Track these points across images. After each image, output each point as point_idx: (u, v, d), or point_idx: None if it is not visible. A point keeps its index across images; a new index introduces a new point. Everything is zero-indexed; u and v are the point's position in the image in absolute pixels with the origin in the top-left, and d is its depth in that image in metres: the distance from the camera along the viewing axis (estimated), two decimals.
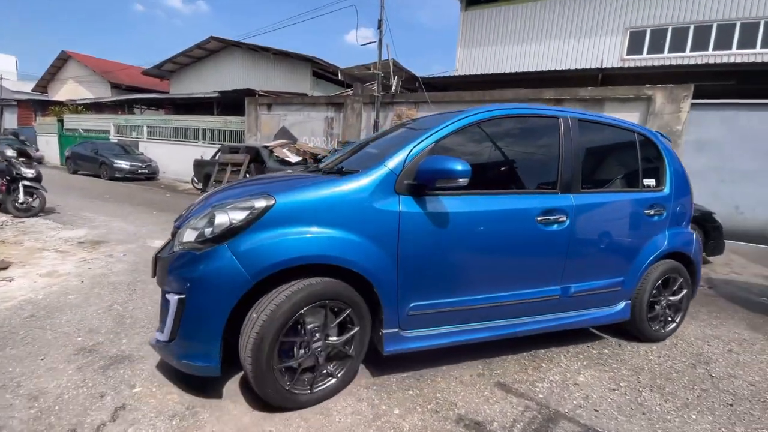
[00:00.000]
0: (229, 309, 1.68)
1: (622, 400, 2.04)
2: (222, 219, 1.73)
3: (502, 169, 2.40)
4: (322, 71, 18.04)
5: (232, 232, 1.71)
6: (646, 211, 2.62)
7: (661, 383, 2.24)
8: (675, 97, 7.26)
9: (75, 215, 6.23)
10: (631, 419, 1.89)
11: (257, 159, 9.82)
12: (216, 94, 14.68)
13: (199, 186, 11.32)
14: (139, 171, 13.79)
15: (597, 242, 2.43)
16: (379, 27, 9.86)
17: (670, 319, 2.87)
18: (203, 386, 1.91)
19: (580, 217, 2.31)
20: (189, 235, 1.80)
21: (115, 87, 24.38)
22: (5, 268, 3.42)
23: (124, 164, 13.43)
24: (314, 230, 1.77)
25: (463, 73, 16.14)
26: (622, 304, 2.64)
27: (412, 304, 1.98)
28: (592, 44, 14.27)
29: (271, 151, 9.54)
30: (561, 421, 1.83)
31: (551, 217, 2.21)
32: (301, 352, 1.79)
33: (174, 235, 2.04)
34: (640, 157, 2.71)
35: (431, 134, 2.04)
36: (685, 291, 2.88)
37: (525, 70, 14.72)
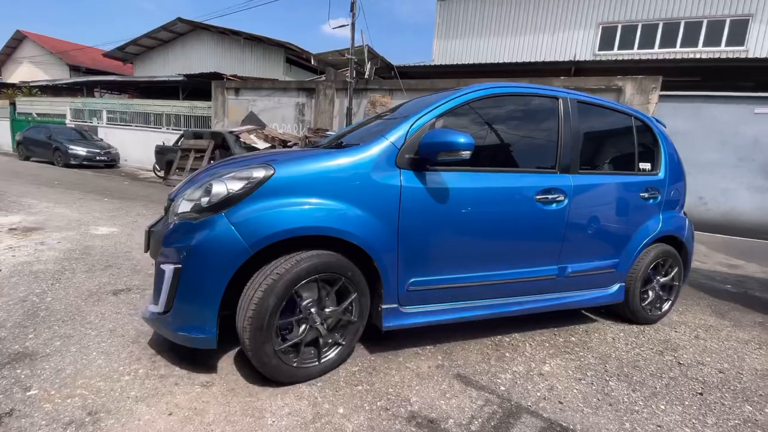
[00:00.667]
0: (227, 278, 1.64)
1: (588, 391, 1.90)
2: (219, 188, 1.68)
3: (502, 146, 2.35)
4: (296, 57, 17.47)
5: (229, 201, 1.68)
6: (641, 194, 2.64)
7: (629, 371, 2.12)
8: (644, 89, 7.32)
9: (14, 201, 5.67)
10: (598, 411, 1.74)
11: (223, 145, 9.34)
12: (181, 78, 13.91)
13: (161, 174, 10.71)
14: (98, 158, 12.93)
15: (593, 223, 2.44)
16: (352, 10, 9.51)
17: (662, 302, 2.90)
18: (111, 389, 1.63)
19: (578, 197, 2.31)
20: (184, 206, 1.77)
21: (74, 69, 22.90)
22: None
23: (80, 150, 12.55)
24: (314, 201, 1.75)
25: (439, 63, 15.99)
26: (616, 286, 2.66)
27: (411, 280, 1.96)
28: (566, 38, 14.38)
29: (238, 137, 9.08)
30: (523, 416, 1.65)
31: (550, 196, 2.21)
32: (302, 327, 1.77)
33: (167, 209, 2.00)
34: (637, 141, 2.73)
35: (433, 109, 2.01)
36: (677, 274, 2.91)
37: (501, 61, 14.71)
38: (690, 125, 7.44)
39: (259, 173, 1.72)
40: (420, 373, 1.92)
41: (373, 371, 1.91)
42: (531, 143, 2.41)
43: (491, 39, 15.69)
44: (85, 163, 12.51)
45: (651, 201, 2.69)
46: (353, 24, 9.53)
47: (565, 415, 1.69)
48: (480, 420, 1.60)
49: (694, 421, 1.73)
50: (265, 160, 1.83)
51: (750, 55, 11.75)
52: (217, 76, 12.78)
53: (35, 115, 17.39)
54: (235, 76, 12.99)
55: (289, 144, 9.55)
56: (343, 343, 1.88)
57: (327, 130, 9.79)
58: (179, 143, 10.16)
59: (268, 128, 10.31)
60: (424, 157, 1.88)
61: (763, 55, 11.48)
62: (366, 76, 9.85)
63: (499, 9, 15.42)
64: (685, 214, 3.07)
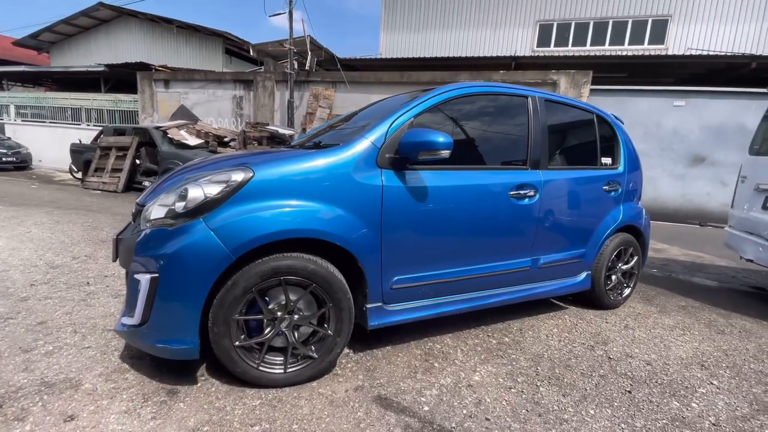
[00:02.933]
0: (209, 286, 1.58)
1: (517, 401, 1.75)
2: (196, 193, 1.62)
3: (478, 144, 2.39)
4: (236, 48, 16.45)
5: (207, 206, 1.62)
6: (604, 187, 2.79)
7: (560, 373, 2.02)
8: (576, 83, 7.58)
9: None
10: (526, 424, 1.59)
11: (149, 142, 8.49)
12: (102, 68, 12.57)
13: (78, 175, 9.61)
14: (4, 159, 11.41)
15: (562, 216, 2.56)
16: None
17: (624, 286, 3.07)
18: None
19: (548, 192, 2.42)
20: (157, 212, 1.67)
21: None
22: None
23: None
24: (296, 203, 1.71)
25: (386, 57, 15.80)
26: (583, 275, 2.81)
27: (395, 278, 1.98)
28: (506, 35, 14.76)
29: (165, 133, 8.30)
30: None
31: (522, 192, 2.30)
32: (267, 329, 1.72)
33: (135, 215, 1.94)
34: (599, 137, 2.86)
35: (410, 108, 2.03)
36: (636, 260, 3.08)
37: (445, 55, 14.81)
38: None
39: (238, 176, 1.66)
40: (334, 400, 1.67)
41: (278, 403, 1.63)
42: (504, 141, 2.47)
43: (436, 33, 15.76)
44: None
45: (612, 193, 2.83)
46: (290, 12, 9.06)
47: None
48: None
49: (623, 425, 1.63)
50: (242, 162, 1.77)
51: (670, 52, 12.71)
52: (145, 67, 11.69)
53: None
54: (165, 66, 11.94)
55: (225, 140, 8.90)
56: (315, 356, 1.78)
57: (267, 125, 9.25)
58: (98, 141, 9.13)
59: (201, 123, 9.55)
60: (404, 156, 1.89)
61: (681, 53, 12.47)
62: (307, 68, 9.41)
63: (443, 4, 15.51)
64: None
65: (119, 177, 8.27)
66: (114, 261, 1.98)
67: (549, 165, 2.47)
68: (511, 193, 2.25)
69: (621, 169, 2.92)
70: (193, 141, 8.25)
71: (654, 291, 3.54)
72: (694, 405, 1.81)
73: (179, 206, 1.62)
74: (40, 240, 3.95)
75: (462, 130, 2.30)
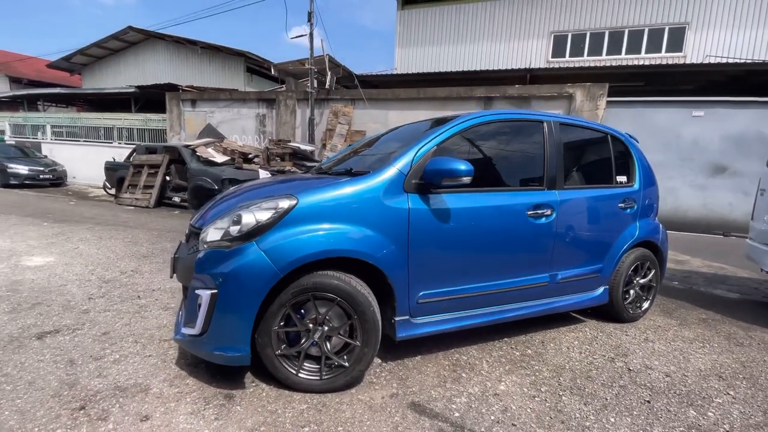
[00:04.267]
0: (260, 300, 1.79)
1: (541, 409, 1.89)
2: (249, 219, 1.86)
3: (496, 168, 2.58)
4: (257, 67, 17.10)
5: (259, 230, 1.85)
6: (620, 205, 2.90)
7: (582, 383, 2.14)
8: (592, 95, 7.66)
9: None
10: (550, 430, 1.73)
11: (178, 159, 8.93)
12: (133, 89, 13.26)
13: (112, 191, 10.11)
14: (41, 176, 12.06)
15: (579, 233, 2.68)
16: (309, 20, 9.43)
17: (642, 301, 3.14)
18: None
19: (564, 210, 2.55)
20: (214, 235, 1.91)
21: (15, 81, 21.38)
22: None
23: (21, 169, 11.66)
24: (333, 227, 1.92)
25: (402, 72, 16.15)
26: (601, 289, 2.90)
27: (421, 293, 2.14)
28: (520, 47, 14.91)
29: (194, 151, 8.72)
30: None
31: (539, 211, 2.44)
32: (303, 339, 1.92)
33: (189, 236, 2.22)
34: (613, 157, 2.98)
35: (434, 137, 2.22)
36: (654, 275, 3.15)
37: (460, 69, 15.05)
38: (635, 129, 7.82)
39: (284, 203, 1.88)
40: (372, 406, 1.85)
41: (322, 408, 1.81)
42: (521, 163, 2.66)
43: (450, 47, 16.03)
44: (27, 182, 11.64)
45: (628, 210, 2.93)
46: (311, 34, 9.45)
47: None
48: None
49: (641, 431, 1.75)
50: (286, 190, 2.02)
51: (688, 60, 12.62)
52: (173, 87, 12.28)
53: None
54: (191, 86, 12.53)
55: (249, 156, 9.28)
56: (347, 365, 1.94)
57: (289, 141, 9.60)
58: (131, 159, 9.64)
59: (227, 140, 9.98)
60: (428, 182, 2.08)
61: (699, 60, 12.37)
62: (327, 86, 9.75)
63: (457, 18, 15.79)
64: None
65: (151, 193, 8.71)
66: (171, 277, 2.24)
67: (565, 185, 2.61)
68: (529, 212, 2.40)
69: (636, 186, 3.02)
70: (220, 158, 8.63)
71: (674, 304, 3.60)
72: (710, 414, 1.91)
73: (234, 230, 1.85)
74: (88, 255, 4.28)
75: (482, 155, 2.51)
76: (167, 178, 9.11)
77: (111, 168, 10.10)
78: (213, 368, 2.08)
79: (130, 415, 1.68)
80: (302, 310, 1.91)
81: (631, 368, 2.34)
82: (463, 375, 2.16)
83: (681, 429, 1.79)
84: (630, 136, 3.25)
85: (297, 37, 9.70)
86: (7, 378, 1.92)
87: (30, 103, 18.10)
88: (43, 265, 3.84)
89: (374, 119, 9.37)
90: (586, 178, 2.88)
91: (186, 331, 1.92)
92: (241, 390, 1.92)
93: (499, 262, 2.38)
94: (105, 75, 19.73)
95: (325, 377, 1.92)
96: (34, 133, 15.03)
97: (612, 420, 1.83)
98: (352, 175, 2.18)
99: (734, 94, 7.93)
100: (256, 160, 9.37)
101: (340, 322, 1.94)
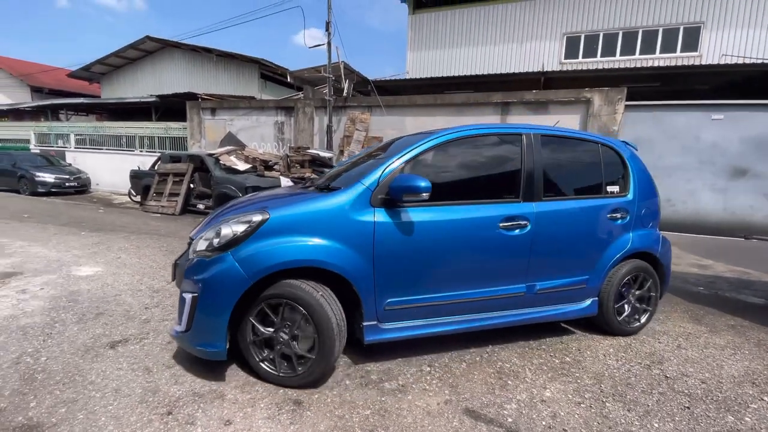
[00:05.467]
0: (233, 304, 2.02)
1: (588, 415, 2.01)
2: (227, 231, 2.12)
3: (469, 181, 2.63)
4: (270, 73, 17.41)
5: (235, 242, 2.08)
6: (609, 215, 2.84)
7: (622, 390, 2.26)
8: (611, 100, 7.71)
9: None
10: None
11: (202, 168, 9.19)
12: (154, 99, 13.62)
13: (137, 198, 10.42)
14: (67, 184, 12.46)
15: (560, 245, 2.67)
16: (327, 29, 9.62)
17: (638, 315, 3.05)
18: None
19: (542, 222, 2.56)
20: (201, 245, 2.18)
21: (36, 91, 22.00)
22: None
23: (47, 177, 12.08)
24: (302, 239, 2.11)
25: (414, 76, 16.28)
26: (588, 301, 2.86)
27: (388, 300, 2.27)
28: (533, 48, 14.93)
29: (217, 159, 8.97)
30: None
31: (513, 223, 2.48)
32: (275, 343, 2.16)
33: (188, 245, 2.41)
34: (604, 167, 2.92)
35: (401, 155, 2.36)
36: (653, 288, 3.05)
37: (473, 72, 15.12)
38: (654, 132, 7.88)
39: (257, 218, 2.11)
40: (430, 412, 1.99)
41: (385, 413, 1.96)
42: (496, 176, 2.70)
43: (462, 49, 16.11)
44: (53, 190, 12.05)
45: (620, 221, 2.88)
46: (329, 43, 9.64)
47: None
48: None
49: None
50: (261, 205, 2.23)
51: (703, 60, 12.53)
52: (192, 96, 12.59)
53: None
54: (210, 95, 12.84)
55: (270, 164, 9.51)
56: (313, 357, 2.11)
57: (308, 148, 9.80)
58: (156, 167, 9.94)
59: (248, 149, 10.22)
60: (393, 197, 2.21)
61: (715, 60, 12.28)
62: (345, 94, 9.94)
63: (469, 21, 15.88)
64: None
65: (176, 201, 8.98)
66: (172, 281, 2.47)
67: (544, 197, 2.60)
68: (501, 224, 2.44)
69: (630, 196, 2.94)
70: (242, 166, 8.87)
71: (702, 310, 3.68)
72: (747, 419, 2.01)
73: (215, 241, 2.11)
74: (132, 265, 4.50)
75: (455, 169, 2.57)
76: (191, 185, 9.37)
77: (136, 176, 10.42)
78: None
79: (214, 420, 1.86)
80: (277, 314, 2.13)
81: (668, 375, 2.44)
82: (509, 382, 2.30)
83: None
84: (628, 145, 3.17)
85: (316, 46, 9.93)
86: (93, 386, 2.11)
87: (52, 112, 18.63)
88: (93, 275, 4.06)
89: (391, 125, 9.52)
90: (570, 189, 2.84)
91: (177, 328, 2.21)
92: (307, 396, 2.08)
93: (468, 273, 2.44)
94: (123, 83, 20.23)
95: (300, 371, 2.12)
96: (56, 142, 15.50)
97: (656, 425, 1.95)
98: (328, 190, 2.37)
99: (752, 94, 7.91)
100: (276, 167, 9.59)
101: (298, 324, 2.11)
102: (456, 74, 14.66)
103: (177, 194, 9.07)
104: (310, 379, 2.13)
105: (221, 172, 8.78)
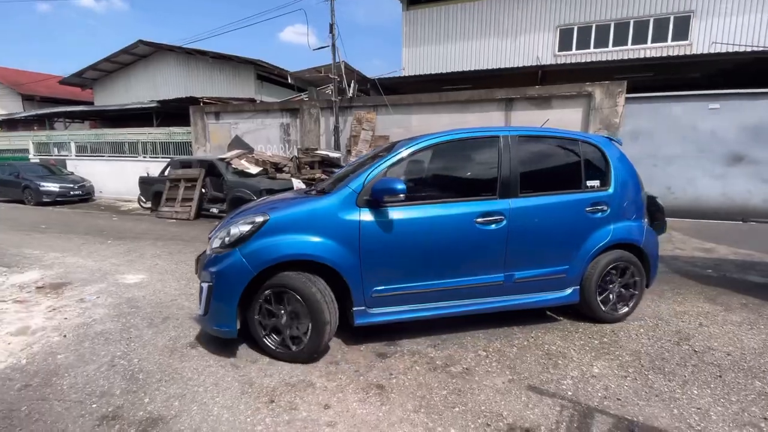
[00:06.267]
0: (240, 291, 2.44)
1: (635, 386, 2.29)
2: (235, 231, 2.55)
3: (449, 181, 2.96)
4: (266, 74, 17.44)
5: (241, 239, 2.51)
6: (587, 209, 2.97)
7: (660, 364, 2.54)
8: (611, 93, 8.00)
9: (16, 254, 5.55)
10: (650, 402, 2.14)
11: (213, 172, 9.32)
12: (155, 104, 13.63)
13: (147, 205, 10.51)
14: (72, 193, 12.48)
15: (536, 237, 2.85)
16: (331, 31, 9.76)
17: (622, 303, 3.19)
18: None
19: (518, 217, 2.77)
20: (215, 243, 2.62)
21: (28, 99, 21.76)
22: None
23: (52, 187, 12.10)
24: (298, 237, 2.49)
25: (410, 72, 16.44)
26: (570, 290, 3.02)
27: (374, 288, 2.59)
28: (527, 41, 15.19)
29: (229, 164, 9.11)
30: (596, 415, 2.02)
31: (489, 218, 2.72)
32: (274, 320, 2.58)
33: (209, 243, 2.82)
34: (583, 163, 3.05)
35: (385, 161, 2.69)
36: (637, 278, 3.16)
37: (469, 67, 15.36)
38: (653, 123, 8.20)
39: (259, 219, 2.52)
40: (499, 389, 2.26)
41: (460, 392, 2.22)
42: (474, 177, 2.98)
43: (457, 44, 16.30)
44: (58, 199, 12.07)
45: (599, 214, 2.99)
46: (333, 44, 9.79)
47: (627, 409, 2.08)
48: (565, 424, 1.96)
49: (722, 400, 2.16)
50: (265, 208, 2.64)
51: (694, 48, 12.91)
52: (193, 101, 12.63)
53: None
54: (211, 98, 12.89)
55: (280, 166, 9.67)
56: (305, 341, 2.50)
57: (316, 149, 9.98)
58: (166, 173, 10.03)
59: (257, 152, 10.36)
60: (375, 198, 2.53)
61: (706, 48, 12.66)
62: (350, 94, 10.11)
63: (463, 15, 16.06)
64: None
65: (190, 206, 9.11)
66: (196, 273, 2.89)
67: (521, 193, 2.81)
68: (478, 220, 2.68)
69: (611, 190, 3.04)
70: (254, 169, 9.02)
71: (714, 291, 3.99)
72: None
73: (226, 240, 2.55)
74: (173, 271, 4.69)
75: (436, 171, 2.93)
76: (203, 190, 9.50)
77: (146, 182, 10.50)
78: (348, 364, 2.49)
79: (314, 405, 2.10)
80: (278, 302, 2.52)
81: (696, 350, 2.74)
82: (559, 362, 2.57)
83: (753, 396, 2.19)
84: (612, 141, 3.28)
85: (320, 48, 9.98)
86: (193, 381, 2.33)
87: (48, 120, 18.46)
88: (141, 283, 4.25)
89: (397, 124, 9.73)
90: (548, 185, 2.96)
91: (198, 312, 2.67)
92: (387, 381, 2.33)
93: (448, 264, 2.69)
94: (116, 88, 20.08)
95: (294, 349, 2.52)
96: (54, 151, 15.43)
97: (696, 392, 2.23)
98: (322, 193, 2.76)
99: (743, 81, 8.26)
100: (285, 169, 9.76)
101: (300, 312, 2.48)
102: (452, 70, 14.84)
103: (190, 199, 9.20)
104: (302, 357, 2.52)
105: (233, 176, 8.94)
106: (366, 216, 2.53)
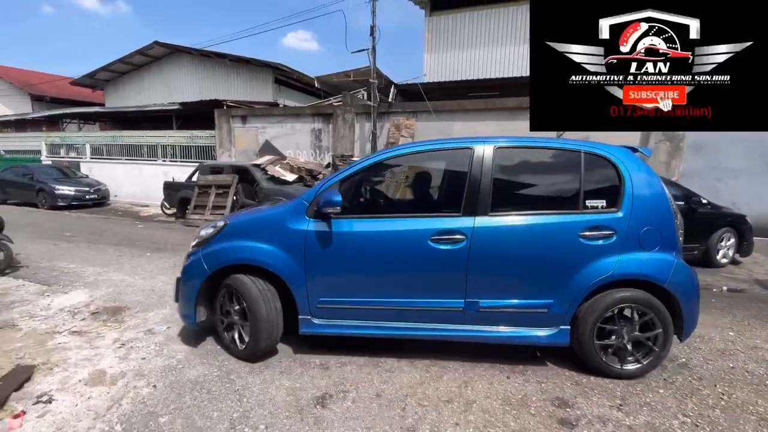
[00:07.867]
0: (197, 288, 2.68)
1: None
2: (202, 233, 2.84)
3: (410, 195, 2.87)
4: (285, 78, 17.01)
5: (205, 241, 2.77)
6: (581, 233, 2.42)
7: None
8: None
9: (51, 268, 5.02)
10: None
11: (245, 179, 8.82)
12: (176, 106, 13.15)
13: (171, 211, 9.98)
14: (87, 197, 11.96)
15: (507, 262, 2.46)
16: (372, 33, 9.36)
17: (632, 357, 2.51)
18: None
19: (483, 237, 2.43)
20: (192, 242, 2.89)
21: (37, 100, 21.23)
22: (29, 379, 2.45)
23: (67, 190, 11.58)
24: (249, 242, 2.63)
25: (432, 78, 16.06)
26: (556, 328, 2.49)
27: (320, 299, 2.58)
28: None
29: (264, 170, 8.62)
30: None
31: (446, 237, 2.44)
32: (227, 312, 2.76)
33: None
34: (584, 178, 2.51)
35: (340, 173, 2.68)
36: (658, 328, 2.45)
37: (493, 75, 15.01)
38: (718, 134, 7.77)
39: (220, 224, 2.78)
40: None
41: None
42: (436, 191, 2.87)
43: (481, 50, 15.95)
44: (74, 203, 11.53)
45: (601, 241, 2.42)
46: (374, 47, 9.38)
47: None
48: None
49: None
50: (228, 215, 2.86)
51: None
52: (217, 104, 12.17)
53: (3, 153, 15.92)
54: (237, 102, 12.44)
55: (314, 173, 9.19)
56: (247, 341, 2.67)
57: (352, 156, 9.53)
58: (194, 178, 9.51)
59: (290, 158, 9.89)
60: (321, 210, 2.48)
61: None
62: (390, 100, 9.68)
63: (488, 23, 15.75)
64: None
65: (223, 214, 8.59)
66: None
67: (493, 211, 2.44)
68: (432, 238, 2.44)
69: (621, 213, 2.44)
70: (290, 176, 8.55)
71: None
72: None
73: (196, 240, 2.82)
74: None
75: (395, 185, 2.87)
76: (235, 198, 9.00)
77: (171, 188, 9.97)
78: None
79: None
80: (231, 301, 2.70)
81: None
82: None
83: None
84: (634, 151, 2.65)
85: (358, 51, 9.57)
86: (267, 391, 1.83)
87: (55, 121, 17.93)
88: None
89: (439, 131, 9.28)
90: (531, 204, 2.55)
91: (173, 300, 2.98)
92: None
93: (397, 282, 2.54)
94: (128, 90, 19.62)
95: (240, 348, 2.69)
96: (67, 152, 14.91)
97: None
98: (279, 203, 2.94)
99: None
100: (320, 177, 9.28)
101: (237, 308, 2.67)
102: (476, 77, 14.52)
103: (222, 207, 8.68)
104: (244, 354, 2.67)
105: (269, 183, 8.46)
106: (313, 227, 2.53)
